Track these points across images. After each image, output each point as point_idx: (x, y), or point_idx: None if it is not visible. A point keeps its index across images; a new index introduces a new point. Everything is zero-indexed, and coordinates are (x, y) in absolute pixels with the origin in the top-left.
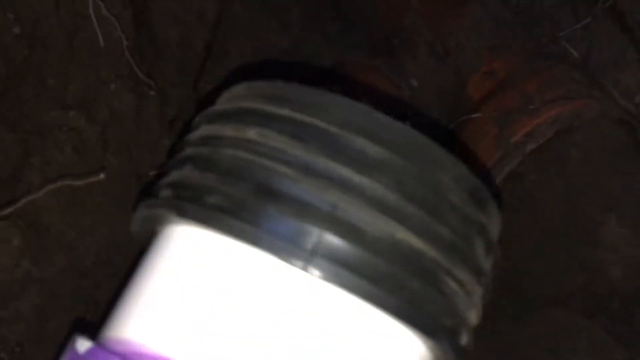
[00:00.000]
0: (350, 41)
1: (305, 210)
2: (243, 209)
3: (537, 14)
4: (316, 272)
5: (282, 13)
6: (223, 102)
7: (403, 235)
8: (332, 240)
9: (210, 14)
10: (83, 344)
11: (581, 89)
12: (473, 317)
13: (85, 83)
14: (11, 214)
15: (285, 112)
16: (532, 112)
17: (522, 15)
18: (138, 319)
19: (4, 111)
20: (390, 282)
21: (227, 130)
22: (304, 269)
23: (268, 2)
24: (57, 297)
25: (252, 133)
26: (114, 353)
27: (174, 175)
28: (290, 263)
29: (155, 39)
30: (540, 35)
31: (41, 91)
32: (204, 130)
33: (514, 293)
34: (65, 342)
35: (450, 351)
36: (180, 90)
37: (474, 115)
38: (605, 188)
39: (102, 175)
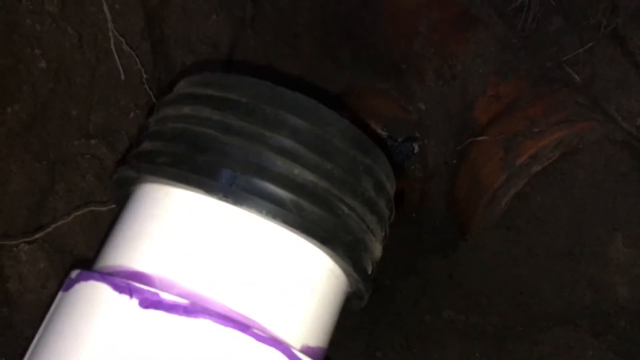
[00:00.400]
0: (360, 66)
1: (225, 157)
2: (181, 162)
3: (542, 39)
4: (231, 201)
5: (293, 40)
6: (169, 94)
7: (299, 171)
8: (245, 177)
9: (224, 42)
10: (74, 272)
11: (584, 112)
12: (370, 242)
13: (106, 113)
14: (38, 239)
15: (209, 92)
16: (536, 134)
17: (527, 40)
18: (111, 251)
19: (31, 141)
20: (291, 205)
21: (170, 111)
22: (223, 199)
23: (279, 29)
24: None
25: (187, 109)
26: (95, 272)
27: (135, 149)
28: (214, 195)
29: (172, 68)
30: (545, 60)
31: (65, 122)
32: (155, 115)
33: (522, 312)
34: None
35: (348, 260)
36: None
37: (480, 138)
38: (610, 208)
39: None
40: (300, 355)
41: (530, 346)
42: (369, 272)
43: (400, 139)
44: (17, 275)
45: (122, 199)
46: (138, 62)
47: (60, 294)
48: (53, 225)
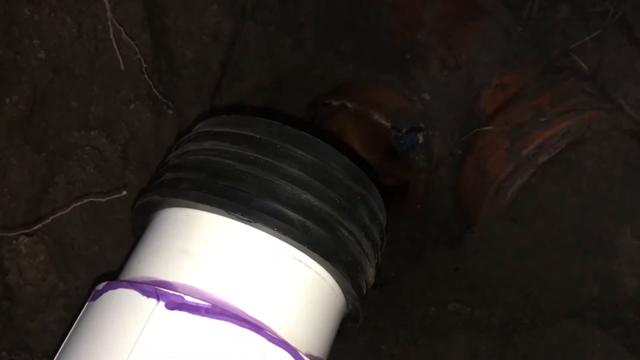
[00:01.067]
0: (364, 57)
1: (242, 183)
2: (203, 187)
3: (548, 28)
4: (247, 220)
5: (295, 31)
6: (188, 134)
7: (305, 197)
8: (259, 199)
9: (225, 33)
10: (101, 285)
11: (592, 101)
12: (365, 265)
13: (106, 104)
14: (38, 231)
15: (225, 129)
16: (543, 124)
17: (533, 29)
18: (135, 265)
19: (30, 133)
20: (299, 224)
21: (190, 146)
22: (239, 218)
23: (281, 19)
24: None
25: (206, 144)
26: (121, 282)
27: (157, 180)
28: (232, 215)
29: (173, 60)
30: (552, 49)
31: (65, 113)
32: (174, 152)
33: (529, 305)
34: None
35: (347, 278)
36: (197, 109)
37: (486, 128)
38: (619, 199)
39: (124, 192)
40: (306, 358)
41: (537, 339)
42: (364, 292)
43: (404, 130)
44: (16, 267)
45: (141, 226)
46: (138, 51)
47: (87, 304)
48: (52, 217)
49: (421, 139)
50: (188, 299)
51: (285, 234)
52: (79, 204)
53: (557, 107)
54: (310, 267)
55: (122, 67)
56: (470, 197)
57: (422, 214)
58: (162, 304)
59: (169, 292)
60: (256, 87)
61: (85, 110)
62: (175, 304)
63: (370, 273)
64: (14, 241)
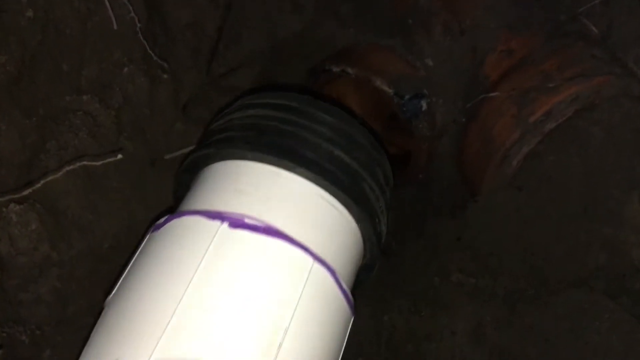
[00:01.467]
0: (365, 22)
1: (284, 138)
2: (251, 141)
3: None
4: (290, 166)
5: None
6: (230, 107)
7: (337, 152)
8: (300, 151)
9: None
10: (162, 219)
11: (601, 66)
12: (382, 220)
13: (99, 67)
14: (29, 198)
15: (266, 101)
16: (551, 90)
17: None
18: (192, 201)
19: (20, 96)
20: (332, 174)
21: (235, 115)
22: (283, 165)
23: None
24: (76, 280)
25: (250, 112)
26: (184, 212)
27: (209, 140)
28: (280, 163)
29: (168, 23)
30: (559, 12)
31: (55, 76)
32: (218, 121)
33: (534, 275)
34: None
35: (370, 223)
36: (193, 74)
37: (492, 95)
38: (627, 166)
39: (119, 156)
40: (341, 279)
41: (542, 309)
42: (382, 241)
43: (407, 97)
44: (7, 237)
45: (185, 185)
46: (131, 9)
47: (149, 235)
48: (43, 181)
49: (424, 106)
50: (247, 220)
51: (322, 180)
52: (71, 167)
53: (566, 72)
54: (340, 212)
55: (115, 27)
56: (474, 166)
57: (425, 183)
58: (225, 224)
59: (230, 215)
60: (254, 52)
61: (77, 73)
62: (237, 224)
63: (384, 230)
64: (4, 209)
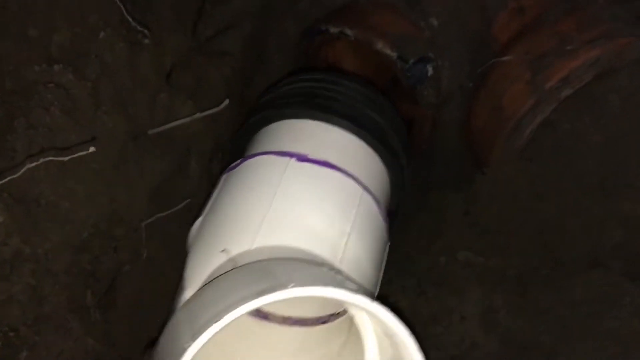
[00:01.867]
0: None
1: (330, 101)
2: (305, 103)
3: None
4: (335, 121)
5: None
6: (275, 85)
7: (369, 112)
8: (341, 110)
9: None
10: (234, 163)
11: (623, 27)
12: (406, 171)
13: (72, 32)
14: None
15: (308, 76)
16: (569, 54)
17: None
18: (257, 146)
19: None
20: (368, 130)
21: (285, 87)
22: (331, 122)
23: None
24: (53, 275)
25: (299, 84)
26: (256, 153)
27: (265, 101)
28: (327, 121)
29: None
30: None
31: (22, 43)
32: (267, 95)
33: (547, 253)
34: None
35: (399, 171)
36: (177, 37)
37: (503, 59)
38: None
39: (92, 149)
40: (382, 208)
41: (558, 292)
42: (406, 191)
43: (412, 61)
44: None
45: (239, 150)
46: None
47: (224, 175)
48: (2, 181)
49: (430, 71)
50: (312, 156)
51: (361, 132)
52: (33, 164)
53: (585, 33)
54: (375, 158)
55: None
56: (482, 135)
57: (429, 153)
58: (293, 159)
59: (298, 152)
60: (243, 12)
61: (46, 40)
62: (303, 159)
63: (407, 183)
64: None
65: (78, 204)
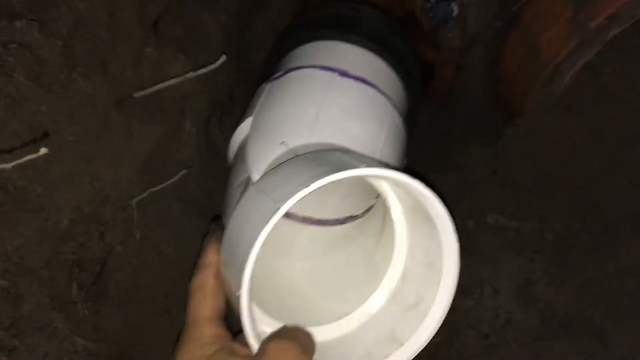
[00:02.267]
0: None
1: (355, 26)
2: (333, 26)
3: None
4: (357, 42)
5: None
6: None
7: (391, 38)
8: (362, 33)
9: None
10: (276, 74)
11: None
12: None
13: None
14: None
15: (336, 3)
16: None
17: None
18: (294, 61)
19: None
20: (391, 54)
21: (311, 14)
22: (354, 43)
23: None
24: (29, 271)
25: (324, 12)
26: (299, 66)
27: (300, 23)
28: (350, 42)
29: None
30: None
31: None
32: (299, 19)
33: (589, 216)
34: None
35: (416, 93)
36: None
37: None
38: None
39: (43, 150)
40: (405, 126)
41: (604, 260)
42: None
43: None
44: None
45: (270, 71)
46: None
47: (267, 85)
48: None
49: (456, 10)
50: (351, 72)
51: (386, 54)
52: None
53: None
54: (398, 81)
55: None
56: (514, 82)
57: (452, 102)
58: (335, 73)
59: (339, 67)
60: None
61: None
62: (344, 74)
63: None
64: None
65: (53, 187)
